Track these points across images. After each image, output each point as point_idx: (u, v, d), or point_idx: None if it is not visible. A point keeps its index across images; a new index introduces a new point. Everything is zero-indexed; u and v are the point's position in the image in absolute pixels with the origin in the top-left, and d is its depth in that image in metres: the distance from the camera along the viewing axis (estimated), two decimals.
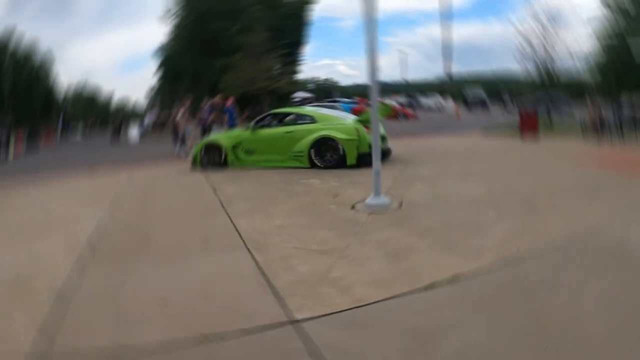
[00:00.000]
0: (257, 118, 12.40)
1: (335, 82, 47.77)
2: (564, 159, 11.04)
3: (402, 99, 40.74)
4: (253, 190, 8.87)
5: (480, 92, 42.16)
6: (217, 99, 16.96)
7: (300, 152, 10.98)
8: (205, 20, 40.10)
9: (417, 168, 10.16)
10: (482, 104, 38.06)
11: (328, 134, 10.62)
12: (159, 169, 13.17)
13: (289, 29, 44.56)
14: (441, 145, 15.33)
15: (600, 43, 18.25)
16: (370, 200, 6.88)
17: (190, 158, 12.57)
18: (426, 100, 40.54)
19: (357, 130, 10.48)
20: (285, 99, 41.82)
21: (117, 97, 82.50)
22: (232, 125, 16.00)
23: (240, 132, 12.15)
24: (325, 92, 50.09)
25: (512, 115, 23.91)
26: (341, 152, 10.48)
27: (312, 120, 11.23)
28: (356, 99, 40.63)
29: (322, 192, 8.33)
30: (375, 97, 6.97)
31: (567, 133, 16.36)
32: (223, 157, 11.66)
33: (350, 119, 11.36)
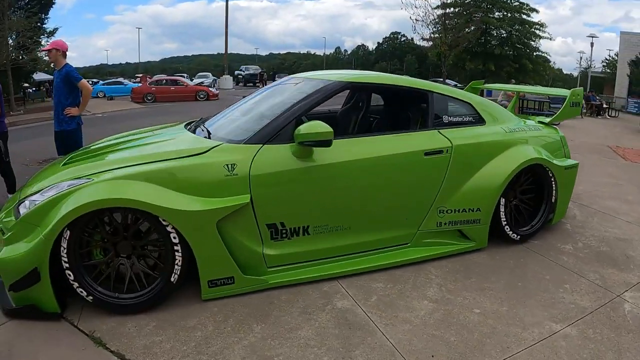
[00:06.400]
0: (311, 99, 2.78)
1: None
2: None
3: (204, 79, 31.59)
4: None
5: (257, 69, 37.07)
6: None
7: (472, 208, 3.03)
8: None
9: None
10: (260, 79, 33.36)
11: (542, 156, 3.40)
12: None
13: None
14: None
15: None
16: None
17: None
18: (199, 80, 32.64)
19: (563, 143, 3.84)
20: (25, 79, 24.56)
21: None
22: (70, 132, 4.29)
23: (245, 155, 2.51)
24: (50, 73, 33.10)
25: None
26: (553, 198, 3.55)
27: (474, 115, 3.30)
28: (138, 77, 28.19)
29: None
30: None
31: None
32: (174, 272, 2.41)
33: (514, 116, 3.87)
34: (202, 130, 2.95)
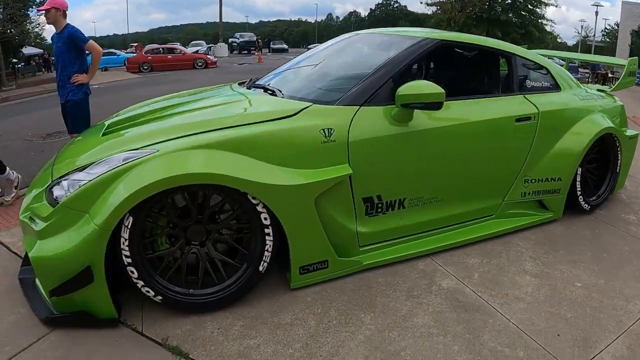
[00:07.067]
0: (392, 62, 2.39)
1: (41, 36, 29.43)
2: None
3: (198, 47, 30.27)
4: None
5: (252, 36, 35.76)
6: None
7: (554, 178, 2.84)
8: None
9: None
10: (256, 47, 32.25)
11: (613, 125, 3.19)
12: None
13: None
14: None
15: None
16: None
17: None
18: (193, 48, 31.39)
19: (622, 112, 3.59)
20: (14, 54, 22.88)
21: None
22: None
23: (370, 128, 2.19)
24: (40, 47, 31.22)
25: None
26: (618, 168, 3.40)
27: (550, 81, 3.03)
28: (133, 46, 26.82)
29: None
30: None
31: None
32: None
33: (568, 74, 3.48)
34: (267, 91, 2.57)
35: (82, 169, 1.94)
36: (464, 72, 2.83)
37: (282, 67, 3.19)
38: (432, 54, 2.48)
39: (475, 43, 2.76)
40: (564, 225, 3.00)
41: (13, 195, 3.35)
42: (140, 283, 1.90)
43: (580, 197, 3.10)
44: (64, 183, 1.92)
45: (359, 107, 2.18)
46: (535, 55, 3.11)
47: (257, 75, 3.37)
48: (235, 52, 33.17)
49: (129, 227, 1.83)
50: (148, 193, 1.78)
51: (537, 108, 2.75)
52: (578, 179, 3.03)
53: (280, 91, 2.50)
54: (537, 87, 2.95)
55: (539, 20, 18.83)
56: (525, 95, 2.80)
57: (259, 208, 1.96)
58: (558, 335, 1.91)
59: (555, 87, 3.07)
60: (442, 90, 2.11)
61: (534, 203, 2.92)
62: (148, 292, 1.91)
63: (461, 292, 2.15)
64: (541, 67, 3.04)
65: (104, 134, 2.28)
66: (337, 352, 1.76)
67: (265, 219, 1.97)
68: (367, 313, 1.99)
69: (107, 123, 2.54)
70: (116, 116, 2.78)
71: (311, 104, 2.19)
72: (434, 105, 2.12)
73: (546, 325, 1.96)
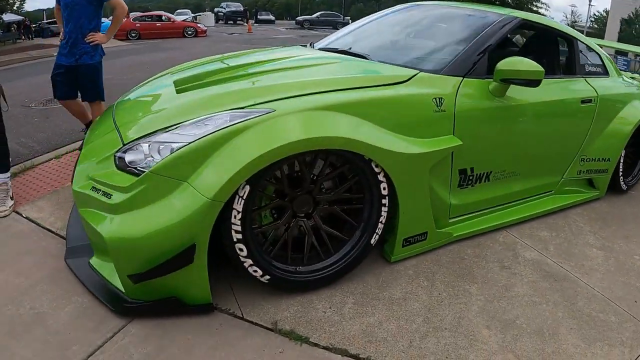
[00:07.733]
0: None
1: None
2: None
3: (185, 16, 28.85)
4: None
5: (239, 6, 34.39)
6: None
7: (604, 158, 3.00)
8: None
9: None
10: (244, 17, 31.28)
11: None
12: None
13: None
14: None
15: None
16: None
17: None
18: (181, 17, 29.97)
19: None
20: None
21: None
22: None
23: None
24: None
25: None
26: None
27: (601, 66, 3.14)
28: None
29: None
30: None
31: None
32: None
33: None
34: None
35: (166, 129, 1.69)
36: (538, 51, 2.91)
37: (342, 31, 3.21)
38: (514, 31, 2.55)
39: (548, 24, 2.86)
40: (607, 203, 3.18)
41: (11, 205, 2.57)
42: (249, 262, 1.71)
43: (622, 177, 3.29)
44: (144, 146, 1.65)
45: (462, 78, 2.20)
46: (590, 40, 3.21)
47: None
48: (221, 22, 32.11)
49: (244, 197, 1.61)
50: (276, 157, 1.58)
51: (596, 91, 2.88)
52: (621, 160, 3.21)
53: (369, 56, 2.48)
54: (592, 71, 3.07)
55: (534, 3, 19.05)
56: (586, 79, 2.93)
57: (380, 177, 1.89)
58: (635, 301, 2.09)
59: (605, 72, 3.20)
60: (542, 68, 2.15)
61: (584, 181, 3.10)
62: (255, 272, 1.74)
63: (545, 263, 2.31)
64: (595, 52, 3.17)
65: (178, 91, 2.04)
66: (459, 324, 1.83)
67: (384, 188, 1.91)
68: (471, 284, 2.09)
69: (176, 79, 2.27)
70: (171, 74, 2.53)
71: (418, 71, 2.16)
72: (534, 82, 2.17)
73: (624, 294, 2.14)
